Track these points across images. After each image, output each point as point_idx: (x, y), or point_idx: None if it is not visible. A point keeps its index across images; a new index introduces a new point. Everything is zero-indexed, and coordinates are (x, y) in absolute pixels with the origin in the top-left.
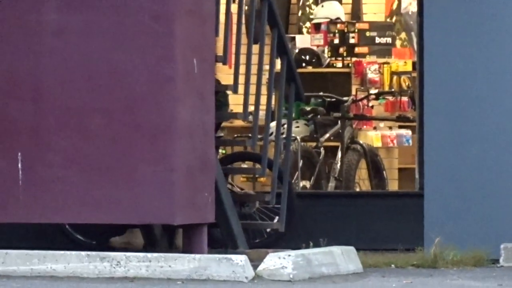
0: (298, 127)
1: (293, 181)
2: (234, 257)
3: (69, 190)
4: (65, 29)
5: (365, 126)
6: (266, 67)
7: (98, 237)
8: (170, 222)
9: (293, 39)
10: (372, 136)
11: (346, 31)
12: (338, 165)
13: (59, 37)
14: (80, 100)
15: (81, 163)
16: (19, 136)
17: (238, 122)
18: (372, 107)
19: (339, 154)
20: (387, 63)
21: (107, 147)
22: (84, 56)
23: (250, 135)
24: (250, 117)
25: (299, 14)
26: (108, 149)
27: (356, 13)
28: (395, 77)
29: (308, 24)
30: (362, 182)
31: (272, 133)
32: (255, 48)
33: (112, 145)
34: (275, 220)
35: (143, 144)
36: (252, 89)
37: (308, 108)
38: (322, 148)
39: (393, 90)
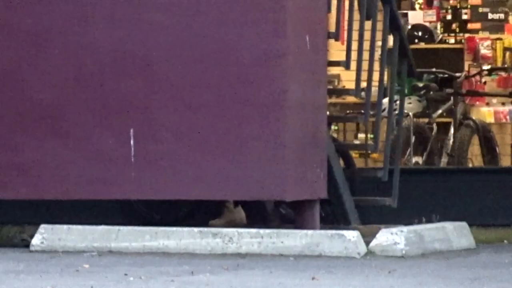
0: (410, 103)
1: (405, 157)
2: (346, 233)
3: (179, 166)
4: (174, 4)
5: (477, 102)
6: (379, 43)
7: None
8: (282, 198)
9: (406, 15)
10: (484, 112)
11: (458, 7)
12: (451, 141)
13: (167, 13)
14: (190, 76)
15: (191, 138)
16: (131, 113)
17: (350, 99)
18: (484, 83)
19: (452, 130)
20: (500, 39)
21: (217, 122)
22: (193, 31)
23: (362, 111)
24: (363, 94)
25: None
26: (218, 125)
27: None
28: (508, 53)
29: (420, 0)
30: (475, 158)
31: (384, 109)
32: (367, 24)
33: (222, 120)
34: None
35: (254, 120)
36: (364, 65)
37: (420, 84)
38: (435, 124)
39: (505, 66)
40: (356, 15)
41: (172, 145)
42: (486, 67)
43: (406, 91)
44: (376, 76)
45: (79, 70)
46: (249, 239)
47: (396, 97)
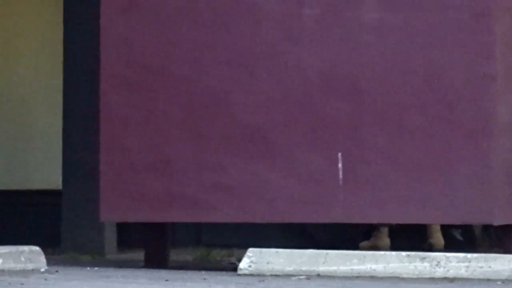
0: None
1: None
2: None
3: (388, 189)
4: (383, 26)
5: None
6: None
7: (342, 240)
8: (489, 222)
9: None
10: None
11: None
12: None
13: (377, 35)
14: (397, 97)
15: (399, 160)
16: (339, 134)
17: None
18: None
19: None
20: None
21: (423, 144)
22: (401, 52)
23: None
24: None
25: None
26: (424, 146)
27: None
28: None
29: None
30: None
31: None
32: None
33: (429, 142)
34: None
35: (460, 142)
36: None
37: None
38: None
39: None
40: None
41: (380, 167)
42: None
43: None
44: None
45: (287, 91)
46: (456, 263)
47: None
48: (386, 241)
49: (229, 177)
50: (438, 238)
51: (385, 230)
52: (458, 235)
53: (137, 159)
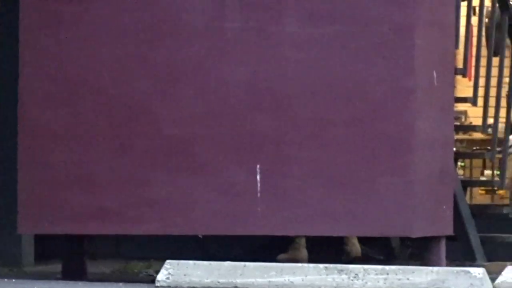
0: None
1: None
2: (472, 269)
3: (306, 202)
4: (306, 41)
5: None
6: (506, 79)
7: (255, 252)
8: (409, 235)
9: None
10: None
11: None
12: None
13: (300, 49)
14: (319, 111)
15: (319, 174)
16: (260, 148)
17: (477, 135)
18: None
19: None
20: None
21: (345, 158)
22: (324, 67)
23: (489, 147)
24: (489, 130)
25: None
26: (345, 160)
27: None
28: None
29: None
30: None
31: (511, 146)
32: (495, 60)
33: (351, 156)
34: None
35: (382, 156)
36: (491, 101)
37: None
38: None
39: None
40: (484, 51)
41: (299, 181)
42: None
43: None
44: (503, 112)
45: (210, 105)
46: (374, 275)
47: None
48: (304, 252)
49: (152, 190)
50: (354, 245)
51: (303, 242)
52: (375, 254)
53: (58, 173)
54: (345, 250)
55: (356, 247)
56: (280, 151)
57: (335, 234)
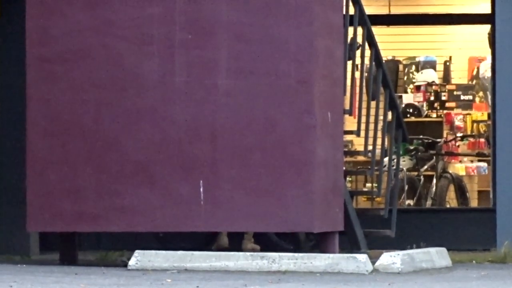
0: (404, 161)
1: (401, 200)
2: (358, 256)
3: (236, 207)
4: (232, 89)
5: (453, 160)
6: (381, 117)
7: (193, 243)
8: (311, 230)
9: (400, 97)
10: (458, 167)
11: (439, 91)
12: (434, 188)
13: (229, 96)
14: (244, 141)
15: (245, 187)
16: (201, 168)
17: (360, 158)
18: (458, 146)
19: (434, 180)
20: (469, 114)
21: (263, 175)
22: (246, 108)
23: (369, 167)
24: (369, 154)
25: (405, 78)
26: (264, 176)
27: (446, 77)
28: (475, 124)
29: (411, 86)
30: (451, 200)
31: (385, 166)
32: (373, 103)
33: (267, 173)
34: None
35: (291, 173)
36: (370, 133)
37: (411, 147)
38: (422, 176)
39: (473, 133)
40: (364, 97)
41: (230, 192)
42: (459, 134)
43: (401, 152)
44: (379, 141)
45: (163, 136)
46: (287, 260)
47: (393, 156)
48: (225, 240)
49: (122, 199)
50: (223, 239)
51: (225, 233)
52: (287, 245)
53: (54, 187)
54: (217, 244)
55: (225, 242)
56: (216, 170)
57: (257, 230)
